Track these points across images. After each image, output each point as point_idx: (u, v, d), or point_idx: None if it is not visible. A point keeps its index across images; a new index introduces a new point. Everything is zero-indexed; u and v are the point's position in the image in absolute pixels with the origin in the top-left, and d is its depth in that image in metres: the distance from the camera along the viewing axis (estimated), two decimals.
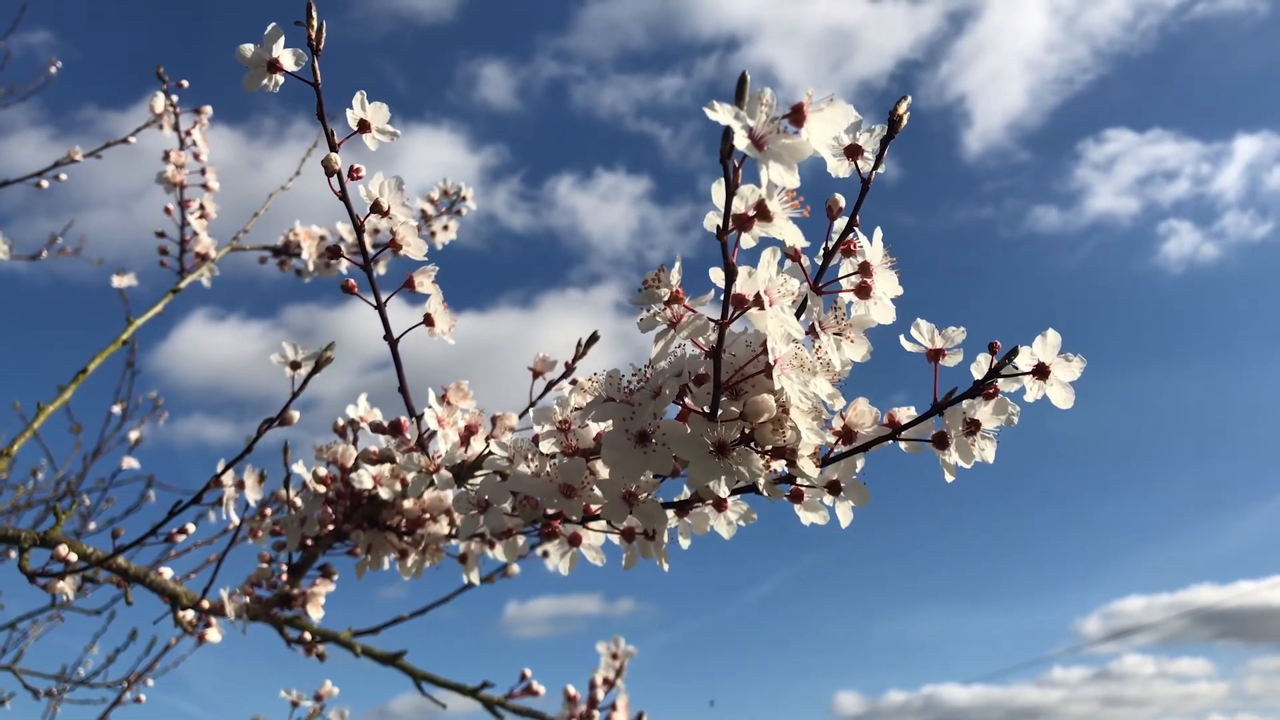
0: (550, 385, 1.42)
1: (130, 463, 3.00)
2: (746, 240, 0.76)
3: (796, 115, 0.66)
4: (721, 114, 0.64)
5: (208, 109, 2.21)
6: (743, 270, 0.75)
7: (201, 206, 2.20)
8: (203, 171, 2.22)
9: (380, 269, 1.94)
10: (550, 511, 1.00)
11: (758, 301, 0.75)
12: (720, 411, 0.83)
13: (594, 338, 1.45)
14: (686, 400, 0.86)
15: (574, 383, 1.41)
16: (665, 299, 0.81)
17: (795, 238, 0.74)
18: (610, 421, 0.88)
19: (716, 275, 0.77)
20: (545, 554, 1.33)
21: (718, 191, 0.71)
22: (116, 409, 3.06)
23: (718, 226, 0.71)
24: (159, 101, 2.17)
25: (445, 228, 2.49)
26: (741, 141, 0.64)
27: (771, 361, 0.77)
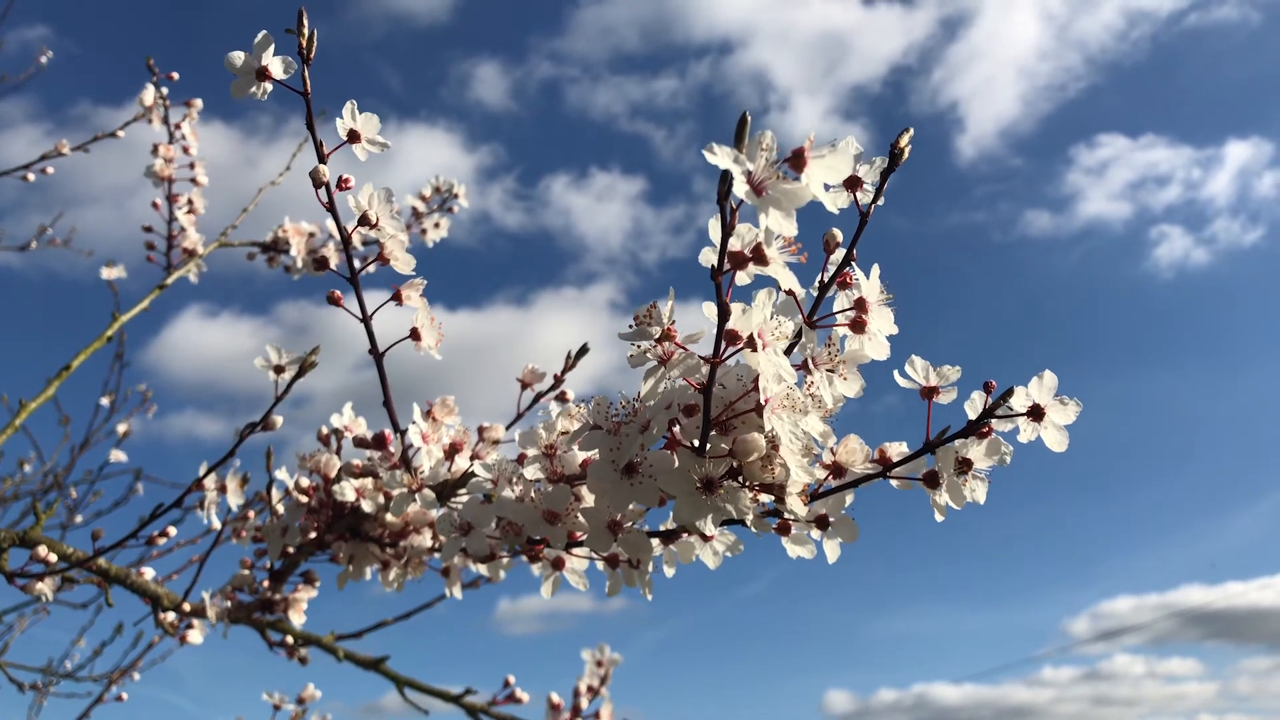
0: (539, 397, 1.41)
1: (118, 456, 2.97)
2: (741, 276, 0.75)
3: (797, 160, 0.64)
4: (720, 157, 0.62)
5: (198, 102, 2.17)
6: (736, 308, 0.73)
7: (190, 201, 2.16)
8: (192, 166, 2.19)
9: (370, 268, 1.92)
10: (534, 536, 0.98)
11: (750, 343, 0.73)
12: (709, 447, 0.81)
13: (583, 350, 1.43)
14: (675, 431, 0.84)
15: (561, 397, 1.39)
16: (656, 336, 0.79)
17: (790, 283, 0.73)
18: (596, 451, 0.86)
19: (710, 311, 0.76)
20: (530, 563, 1.32)
21: (714, 230, 0.69)
22: (105, 401, 3.02)
23: (713, 265, 0.70)
24: (148, 94, 2.14)
25: (436, 225, 2.46)
26: (740, 188, 0.62)
27: (762, 401, 0.76)
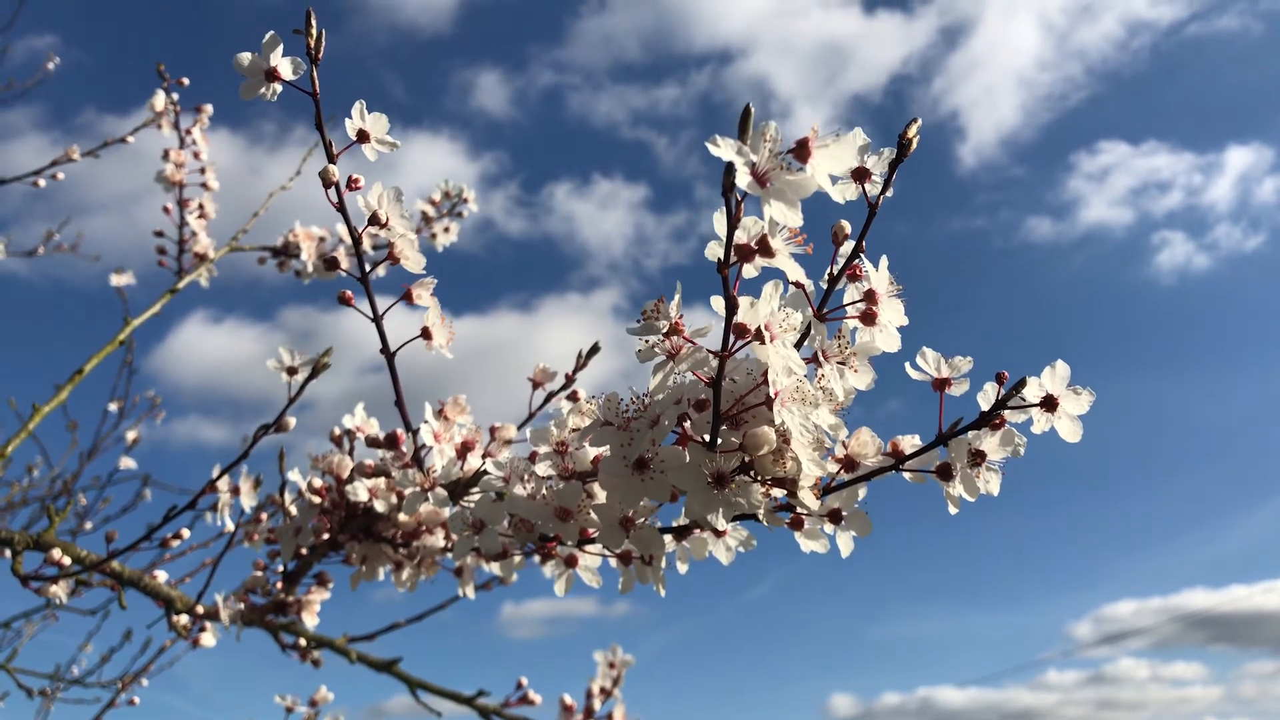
0: (550, 396, 1.41)
1: (128, 463, 2.98)
2: (748, 270, 0.75)
3: (801, 151, 0.64)
4: (724, 149, 0.62)
5: (208, 107, 2.18)
6: (744, 301, 0.73)
7: (200, 206, 2.17)
8: (202, 171, 2.20)
9: (380, 271, 1.92)
10: (546, 533, 0.98)
11: (759, 335, 0.73)
12: (720, 441, 0.81)
13: (595, 349, 1.43)
14: (686, 426, 0.84)
15: (573, 397, 1.39)
16: (664, 330, 0.79)
17: (797, 274, 0.72)
18: (607, 447, 0.86)
19: (717, 304, 0.75)
20: (542, 561, 1.32)
21: (719, 223, 0.69)
22: (113, 407, 3.04)
23: (719, 259, 0.69)
24: (159, 99, 2.15)
25: (446, 230, 2.46)
26: (743, 179, 0.62)
27: (772, 394, 0.76)
